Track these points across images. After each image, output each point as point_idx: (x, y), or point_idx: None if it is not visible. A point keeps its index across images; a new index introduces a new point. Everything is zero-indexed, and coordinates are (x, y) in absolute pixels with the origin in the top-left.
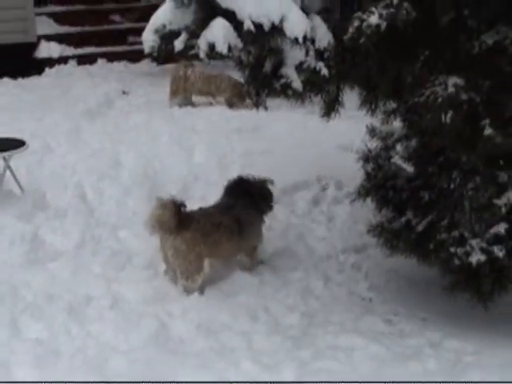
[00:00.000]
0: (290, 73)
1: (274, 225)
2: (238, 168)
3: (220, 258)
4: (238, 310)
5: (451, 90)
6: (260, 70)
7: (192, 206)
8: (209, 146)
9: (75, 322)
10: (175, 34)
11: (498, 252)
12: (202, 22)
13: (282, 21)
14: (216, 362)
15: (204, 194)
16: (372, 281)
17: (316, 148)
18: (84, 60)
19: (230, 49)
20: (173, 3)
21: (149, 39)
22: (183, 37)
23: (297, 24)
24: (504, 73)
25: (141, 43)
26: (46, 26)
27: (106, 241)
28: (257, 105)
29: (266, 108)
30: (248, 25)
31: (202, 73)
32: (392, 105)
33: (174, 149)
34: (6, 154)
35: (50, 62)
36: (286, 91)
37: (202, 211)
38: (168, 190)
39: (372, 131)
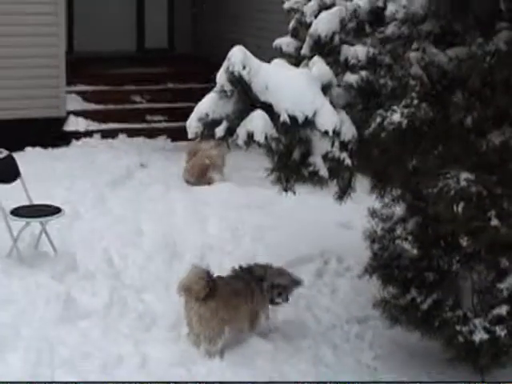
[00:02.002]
0: (317, 161)
1: None
2: (250, 240)
3: (238, 322)
4: (258, 372)
5: (463, 183)
6: (289, 157)
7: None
8: (221, 219)
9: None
10: (217, 123)
11: (500, 332)
12: (242, 112)
13: (314, 114)
14: None
15: (220, 263)
16: (376, 350)
17: (317, 225)
18: (107, 134)
19: (266, 138)
20: (217, 94)
21: (193, 126)
22: (224, 125)
23: (328, 118)
24: (509, 169)
25: (156, 121)
26: (75, 103)
27: (132, 302)
28: (286, 189)
29: (294, 193)
30: (284, 117)
31: (211, 145)
32: (398, 191)
33: (189, 220)
34: (44, 219)
35: (77, 135)
36: (313, 178)
37: (223, 280)
38: (187, 258)
39: (373, 213)
